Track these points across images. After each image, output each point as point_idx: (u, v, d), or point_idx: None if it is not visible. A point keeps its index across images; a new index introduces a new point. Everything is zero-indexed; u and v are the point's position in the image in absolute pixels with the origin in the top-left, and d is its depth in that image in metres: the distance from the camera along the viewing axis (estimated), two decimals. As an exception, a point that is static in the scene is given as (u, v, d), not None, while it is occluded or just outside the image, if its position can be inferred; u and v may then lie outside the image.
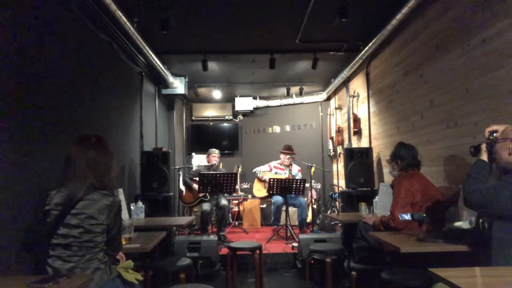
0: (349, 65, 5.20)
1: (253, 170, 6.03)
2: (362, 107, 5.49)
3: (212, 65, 5.54)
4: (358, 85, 5.73)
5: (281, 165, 5.94)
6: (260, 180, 5.90)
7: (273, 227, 5.70)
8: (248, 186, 5.95)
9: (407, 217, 2.47)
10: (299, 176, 5.86)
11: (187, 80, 6.09)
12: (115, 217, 1.93)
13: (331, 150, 7.27)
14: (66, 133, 2.72)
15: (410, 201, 2.78)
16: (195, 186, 5.28)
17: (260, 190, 5.89)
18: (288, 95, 7.14)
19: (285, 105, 7.57)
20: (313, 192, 5.94)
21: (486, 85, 2.62)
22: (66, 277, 1.67)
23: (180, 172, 5.56)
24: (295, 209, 5.67)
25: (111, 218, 1.90)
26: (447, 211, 2.83)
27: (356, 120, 5.65)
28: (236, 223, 6.44)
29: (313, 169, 5.63)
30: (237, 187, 5.39)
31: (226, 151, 7.64)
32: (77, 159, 1.92)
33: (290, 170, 5.85)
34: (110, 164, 2.00)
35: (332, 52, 5.03)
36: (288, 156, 5.84)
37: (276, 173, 5.88)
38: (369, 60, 5.02)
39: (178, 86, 5.99)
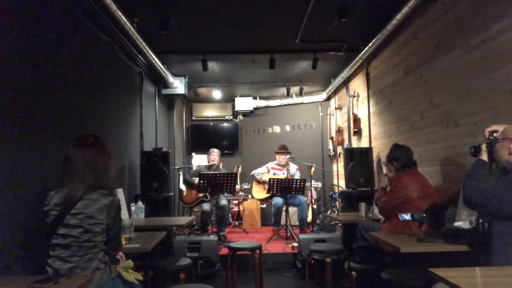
0: (349, 65, 5.20)
1: (251, 173, 6.00)
2: (362, 107, 5.49)
3: (212, 65, 5.54)
4: (358, 85, 5.73)
5: (278, 165, 5.90)
6: (259, 182, 5.86)
7: (273, 227, 5.69)
8: (248, 187, 5.93)
9: (407, 217, 2.47)
10: (297, 174, 5.85)
11: (187, 80, 6.09)
12: (115, 217, 1.93)
13: (331, 150, 7.27)
14: (66, 133, 2.72)
15: (405, 198, 2.83)
16: (197, 182, 5.24)
17: (259, 192, 5.86)
18: (288, 95, 7.13)
19: (285, 105, 7.57)
20: (313, 192, 5.93)
21: (486, 85, 2.62)
22: (66, 277, 1.66)
23: (180, 172, 5.55)
24: (295, 209, 5.65)
25: (110, 218, 1.90)
26: (447, 211, 2.83)
27: (356, 120, 5.65)
28: (236, 223, 6.43)
29: (313, 169, 5.62)
30: (238, 187, 5.35)
31: (226, 151, 7.63)
32: (75, 159, 1.92)
33: (288, 170, 5.82)
34: (108, 163, 2.00)
35: (332, 52, 5.03)
36: (283, 156, 5.81)
37: (274, 174, 5.83)
38: (369, 60, 5.02)
39: (178, 86, 6.00)
